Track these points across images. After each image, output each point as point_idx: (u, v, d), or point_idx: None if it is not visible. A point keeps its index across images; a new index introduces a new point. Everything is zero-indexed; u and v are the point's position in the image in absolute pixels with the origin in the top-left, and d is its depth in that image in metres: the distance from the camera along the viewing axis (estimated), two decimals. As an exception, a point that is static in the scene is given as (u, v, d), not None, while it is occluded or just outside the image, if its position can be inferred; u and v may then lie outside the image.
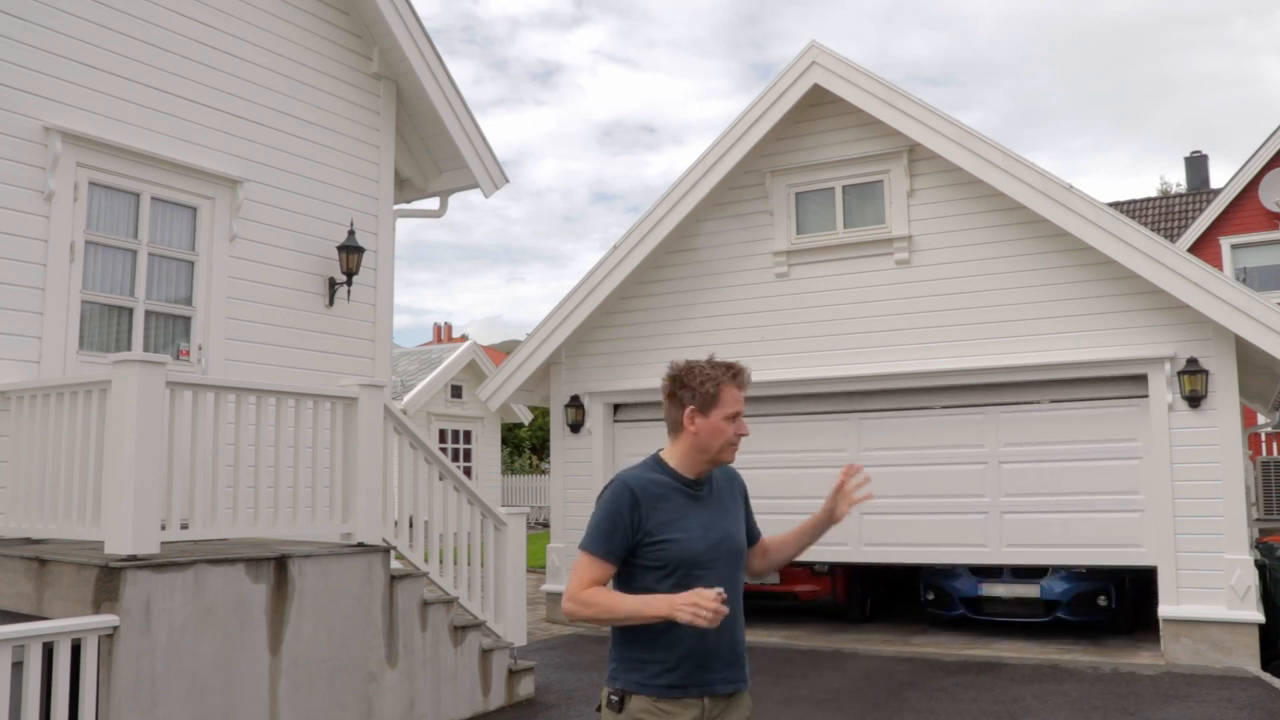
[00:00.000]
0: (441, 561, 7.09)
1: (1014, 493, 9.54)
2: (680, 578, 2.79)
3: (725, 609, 2.61)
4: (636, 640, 2.82)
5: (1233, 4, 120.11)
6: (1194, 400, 8.74)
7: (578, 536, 3.03)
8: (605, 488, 2.92)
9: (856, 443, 10.28)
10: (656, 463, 2.96)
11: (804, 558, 10.63)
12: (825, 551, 10.19)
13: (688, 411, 2.91)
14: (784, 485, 10.22)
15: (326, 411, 6.29)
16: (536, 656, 8.41)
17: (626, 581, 2.86)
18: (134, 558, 5.01)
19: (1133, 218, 20.34)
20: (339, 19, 8.66)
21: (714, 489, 2.99)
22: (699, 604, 2.60)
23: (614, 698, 2.82)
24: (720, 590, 2.63)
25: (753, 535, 3.17)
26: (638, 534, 2.82)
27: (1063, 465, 9.34)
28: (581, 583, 2.83)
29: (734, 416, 2.93)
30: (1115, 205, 25.75)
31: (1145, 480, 8.99)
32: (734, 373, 2.95)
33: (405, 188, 9.60)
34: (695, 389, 2.91)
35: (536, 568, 14.33)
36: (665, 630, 2.74)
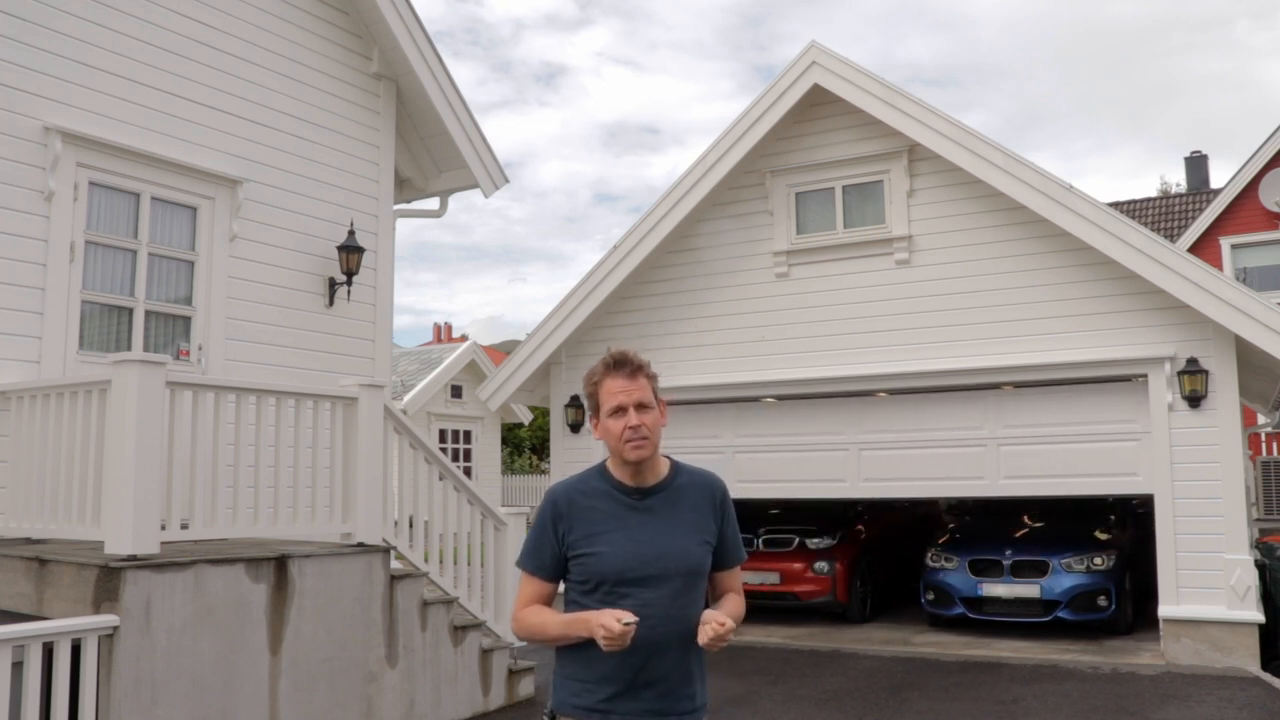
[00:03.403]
0: (441, 561, 7.10)
1: (1013, 423, 9.64)
2: (605, 594, 2.62)
3: (625, 636, 2.45)
4: (567, 657, 2.70)
5: (1236, 7, 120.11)
6: (1194, 400, 8.73)
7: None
8: None
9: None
10: (599, 470, 2.76)
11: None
12: (823, 488, 10.37)
13: (591, 421, 2.75)
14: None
15: (326, 411, 6.29)
16: (536, 656, 8.41)
17: (566, 596, 2.75)
18: (134, 558, 5.01)
19: (1133, 218, 20.33)
20: (339, 19, 8.66)
21: (671, 499, 2.71)
22: (605, 625, 2.45)
23: (545, 716, 2.74)
24: (633, 619, 2.46)
25: (725, 557, 2.77)
26: (563, 547, 2.68)
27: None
28: (521, 601, 2.75)
29: (617, 411, 2.64)
30: (1115, 205, 25.75)
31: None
32: (612, 362, 2.68)
33: (405, 188, 9.60)
34: (588, 395, 2.74)
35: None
36: (591, 649, 2.56)
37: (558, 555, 2.70)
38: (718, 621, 2.51)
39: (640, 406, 2.64)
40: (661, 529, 2.67)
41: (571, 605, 2.71)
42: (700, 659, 2.72)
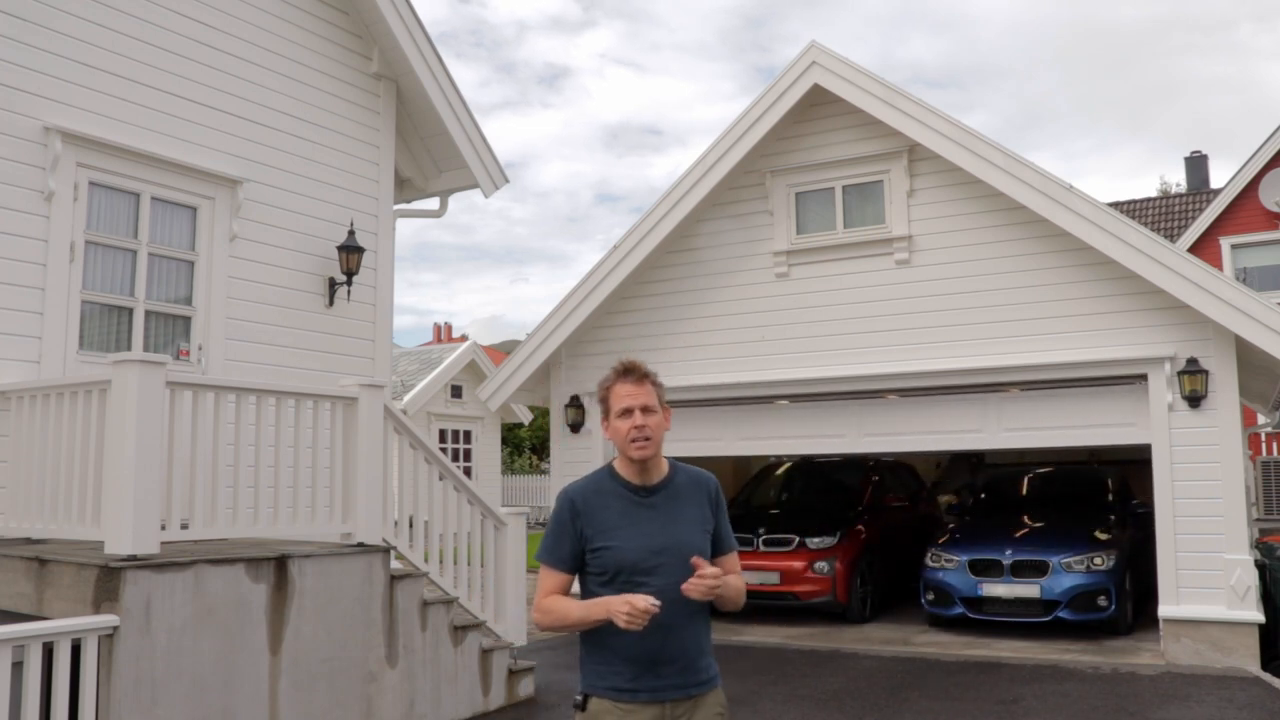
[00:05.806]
0: (441, 561, 7.09)
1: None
2: (621, 584, 2.89)
3: (647, 614, 2.71)
4: (593, 644, 2.97)
5: (1239, 9, 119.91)
6: (1194, 400, 8.73)
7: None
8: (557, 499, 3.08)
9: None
10: (608, 472, 3.06)
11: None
12: (824, 443, 10.44)
13: (602, 424, 3.08)
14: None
15: (326, 411, 6.29)
16: (536, 656, 8.41)
17: (582, 587, 3.01)
18: (134, 558, 5.01)
19: (1133, 218, 20.32)
20: (339, 19, 8.66)
21: (672, 495, 3.01)
22: (631, 602, 2.73)
23: (578, 698, 2.99)
24: (654, 600, 2.73)
25: (721, 545, 3.09)
26: (583, 540, 2.97)
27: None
28: (544, 591, 3.03)
29: (624, 413, 2.96)
30: (1115, 205, 25.74)
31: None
32: (622, 369, 3.01)
33: (405, 188, 9.60)
34: (599, 400, 3.06)
35: (536, 568, 14.33)
36: (614, 635, 2.84)
37: (577, 549, 2.98)
38: (702, 573, 2.80)
39: (645, 409, 2.96)
40: (666, 522, 2.97)
41: (589, 595, 2.97)
42: (708, 635, 3.02)
